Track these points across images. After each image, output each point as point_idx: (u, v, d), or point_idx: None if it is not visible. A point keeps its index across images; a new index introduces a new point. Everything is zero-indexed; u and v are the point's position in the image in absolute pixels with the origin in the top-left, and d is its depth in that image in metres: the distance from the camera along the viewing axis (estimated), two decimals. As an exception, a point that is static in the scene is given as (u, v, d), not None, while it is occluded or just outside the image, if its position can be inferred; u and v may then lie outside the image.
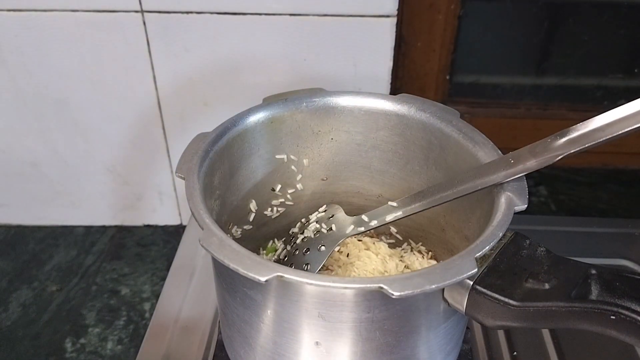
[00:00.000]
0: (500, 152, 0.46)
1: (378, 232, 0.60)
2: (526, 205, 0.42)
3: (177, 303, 0.62)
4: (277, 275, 0.35)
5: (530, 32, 0.73)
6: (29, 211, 0.78)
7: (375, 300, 0.38)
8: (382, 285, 0.34)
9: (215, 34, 0.62)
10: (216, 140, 0.48)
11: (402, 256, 0.57)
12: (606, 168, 0.82)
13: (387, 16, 0.61)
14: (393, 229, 0.60)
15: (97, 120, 0.69)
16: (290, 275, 0.35)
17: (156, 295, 0.68)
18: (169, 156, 0.72)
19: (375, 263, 0.53)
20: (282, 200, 0.57)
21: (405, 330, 0.41)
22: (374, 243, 0.56)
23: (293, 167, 0.56)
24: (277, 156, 0.54)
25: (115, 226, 0.79)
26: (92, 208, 0.77)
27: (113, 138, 0.70)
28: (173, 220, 0.79)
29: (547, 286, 0.36)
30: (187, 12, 0.61)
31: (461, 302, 0.38)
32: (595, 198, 0.80)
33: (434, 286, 0.34)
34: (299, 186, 0.57)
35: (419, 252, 0.58)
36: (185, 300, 0.62)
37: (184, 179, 0.44)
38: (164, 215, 0.79)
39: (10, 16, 0.61)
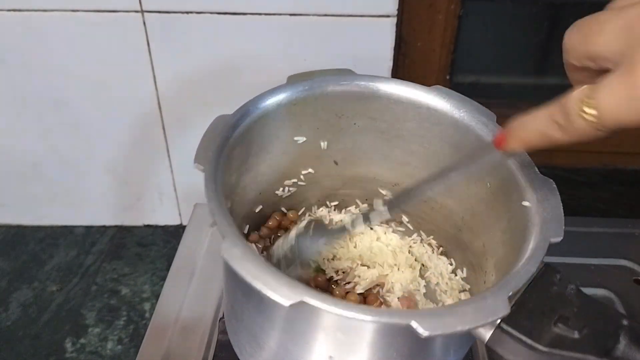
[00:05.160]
0: (536, 168, 0.44)
1: (388, 220, 0.58)
2: (561, 238, 0.39)
3: (177, 303, 0.62)
4: (302, 301, 0.33)
5: (530, 32, 0.73)
6: (29, 211, 0.78)
7: (401, 332, 0.37)
8: (412, 322, 0.33)
9: (215, 34, 0.62)
10: (237, 124, 0.45)
11: (411, 246, 0.56)
12: (606, 168, 0.81)
13: (387, 16, 0.61)
14: (405, 218, 0.58)
15: (97, 120, 0.69)
16: (317, 301, 0.33)
17: (156, 295, 0.68)
18: (169, 156, 0.72)
19: (385, 255, 0.52)
20: (295, 180, 0.56)
21: (423, 354, 0.40)
22: (385, 233, 0.55)
23: (310, 148, 0.54)
24: (295, 138, 0.52)
25: (115, 226, 0.79)
26: (92, 208, 0.77)
27: (113, 138, 0.70)
28: (173, 220, 0.79)
29: (576, 335, 0.35)
30: (187, 12, 0.61)
31: (484, 335, 0.36)
32: (595, 198, 0.80)
33: (466, 328, 0.33)
34: (312, 168, 0.56)
35: (429, 244, 0.57)
36: (185, 300, 0.62)
37: (203, 170, 0.41)
38: (164, 215, 0.79)
39: (10, 16, 0.61)
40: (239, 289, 0.43)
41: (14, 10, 0.60)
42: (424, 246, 0.56)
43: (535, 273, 0.38)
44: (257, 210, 0.54)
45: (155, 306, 0.62)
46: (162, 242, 0.77)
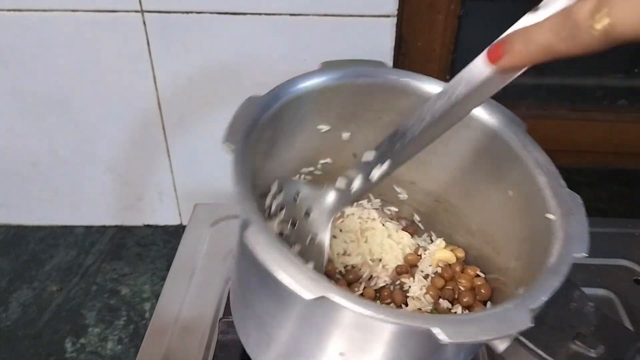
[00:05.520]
0: (562, 180, 0.43)
1: (399, 217, 0.57)
2: (586, 254, 0.39)
3: (177, 303, 0.62)
4: (324, 296, 0.32)
5: (530, 32, 0.73)
6: (29, 211, 0.78)
7: (417, 335, 0.36)
8: (433, 328, 0.32)
9: (215, 34, 0.62)
10: (268, 105, 0.44)
11: (419, 245, 0.55)
12: (606, 168, 0.81)
13: (387, 16, 0.61)
14: (416, 217, 0.57)
15: (97, 120, 0.69)
16: (341, 298, 0.32)
17: (156, 295, 0.68)
18: (169, 156, 0.72)
19: (395, 252, 0.52)
20: (312, 169, 0.54)
21: (435, 357, 0.40)
22: (397, 231, 0.54)
23: (331, 138, 0.53)
24: (319, 126, 0.51)
25: (115, 226, 0.79)
26: (92, 208, 0.77)
27: (113, 138, 0.70)
28: (173, 220, 0.79)
29: (593, 353, 0.35)
30: (187, 12, 0.61)
31: (499, 345, 0.35)
32: (595, 198, 0.80)
33: (486, 338, 0.33)
34: (330, 158, 0.54)
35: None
36: (185, 300, 0.62)
37: (233, 151, 0.39)
38: (164, 215, 0.79)
39: (10, 16, 0.61)
40: (253, 276, 0.42)
41: (14, 10, 0.60)
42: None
43: (559, 286, 0.37)
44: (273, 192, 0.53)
45: (155, 306, 0.62)
46: (162, 242, 0.77)
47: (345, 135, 0.53)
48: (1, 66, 0.64)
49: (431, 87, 0.50)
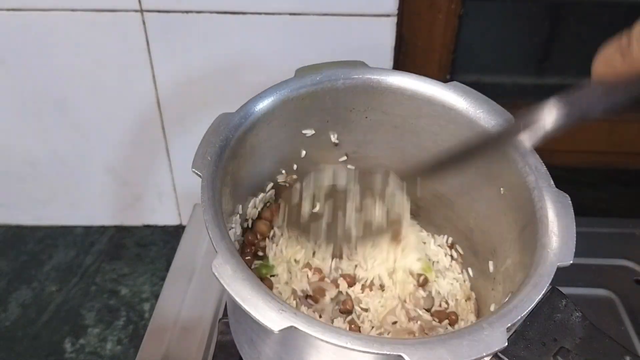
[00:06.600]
0: (552, 180, 0.43)
1: None
2: (570, 262, 0.37)
3: (177, 303, 0.62)
4: (292, 327, 0.32)
5: (531, 31, 0.72)
6: (29, 211, 0.78)
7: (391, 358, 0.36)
8: (402, 354, 0.32)
9: (215, 33, 0.62)
10: (240, 123, 0.44)
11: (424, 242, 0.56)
12: (606, 168, 0.81)
13: (387, 15, 0.61)
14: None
15: (97, 120, 0.69)
16: (306, 328, 0.32)
17: (155, 296, 0.68)
18: (168, 156, 0.72)
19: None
20: (296, 177, 0.54)
21: None
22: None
23: (319, 141, 0.53)
24: (304, 131, 0.51)
25: (115, 226, 0.79)
26: (92, 208, 0.77)
27: (113, 138, 0.70)
28: (172, 221, 0.79)
29: None
30: (187, 12, 0.61)
31: None
32: (596, 198, 0.80)
33: None
34: (321, 160, 0.54)
35: (439, 245, 0.56)
36: (185, 301, 0.62)
37: (200, 176, 0.40)
38: (164, 215, 0.78)
39: (10, 16, 0.61)
40: None
41: (14, 10, 0.60)
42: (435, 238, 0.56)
43: (541, 299, 0.36)
44: (267, 194, 0.53)
45: (155, 306, 0.62)
46: (162, 242, 0.77)
47: (334, 137, 0.53)
48: (1, 66, 0.64)
49: (414, 83, 0.49)
